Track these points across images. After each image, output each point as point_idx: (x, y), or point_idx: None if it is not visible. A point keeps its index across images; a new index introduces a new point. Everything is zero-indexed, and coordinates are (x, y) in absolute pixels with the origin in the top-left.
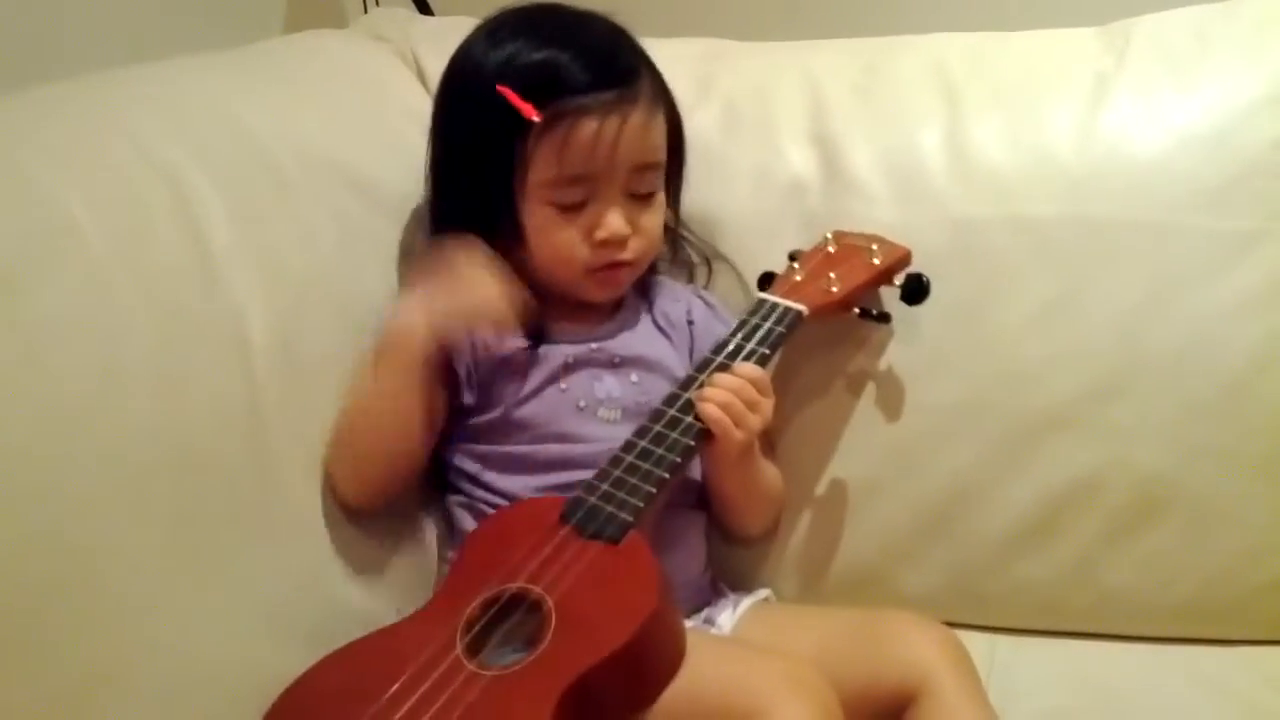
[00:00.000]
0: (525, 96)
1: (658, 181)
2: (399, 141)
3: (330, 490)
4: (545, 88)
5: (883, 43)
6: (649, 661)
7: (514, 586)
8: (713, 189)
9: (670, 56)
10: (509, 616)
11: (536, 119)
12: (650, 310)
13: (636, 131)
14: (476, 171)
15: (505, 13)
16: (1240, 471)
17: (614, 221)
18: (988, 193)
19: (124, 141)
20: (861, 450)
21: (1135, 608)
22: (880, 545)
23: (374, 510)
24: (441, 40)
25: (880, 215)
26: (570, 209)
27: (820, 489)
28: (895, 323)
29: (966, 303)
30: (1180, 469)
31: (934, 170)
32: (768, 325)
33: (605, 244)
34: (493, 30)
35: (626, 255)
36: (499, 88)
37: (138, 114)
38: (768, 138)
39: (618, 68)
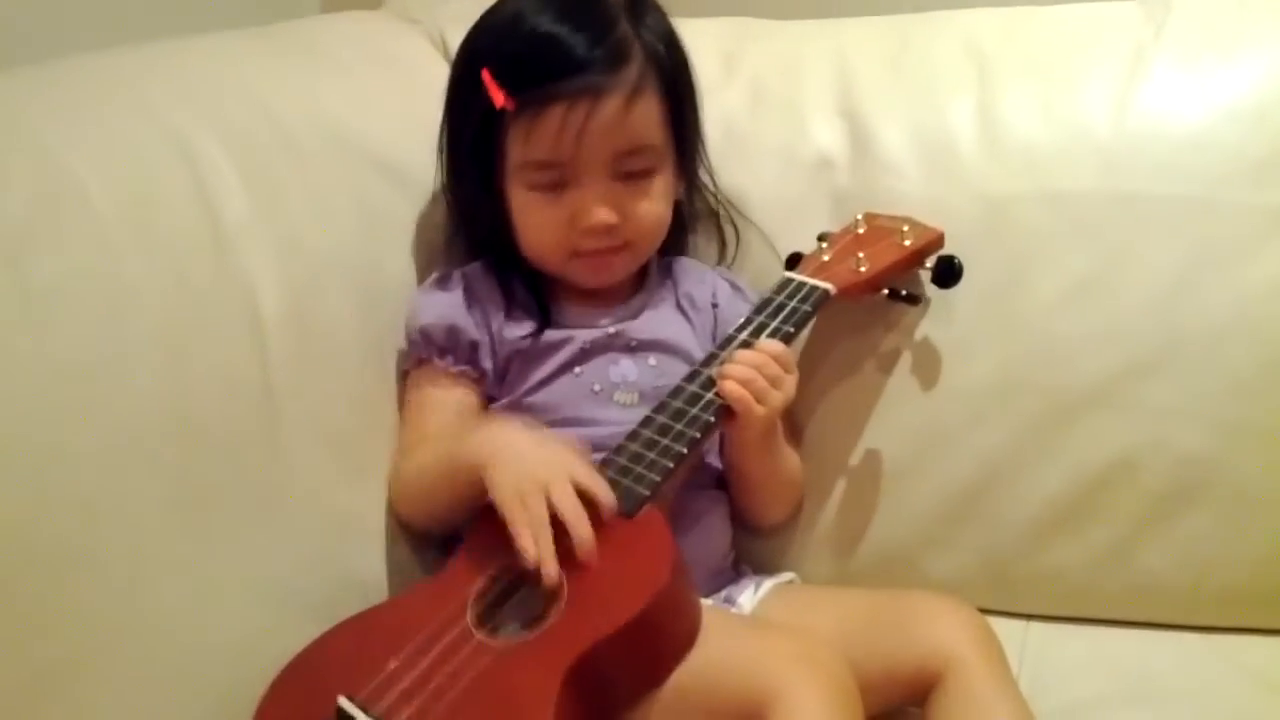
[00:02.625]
0: (504, 79)
1: (652, 163)
2: (423, 122)
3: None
4: (521, 72)
5: (913, 18)
6: (661, 636)
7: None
8: (740, 167)
9: (697, 35)
10: (520, 589)
11: (509, 106)
12: (675, 292)
13: (610, 118)
14: (468, 150)
15: None
16: None
17: (596, 210)
18: (1021, 168)
19: (138, 111)
20: (891, 431)
21: (1174, 594)
22: (909, 528)
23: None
24: (470, 22)
25: (910, 192)
26: (550, 192)
27: (849, 471)
28: (925, 302)
29: (998, 280)
30: (1220, 450)
31: (965, 145)
32: (793, 304)
33: (590, 231)
34: (497, 7)
35: (616, 243)
36: (483, 72)
37: (154, 85)
38: (796, 114)
39: (598, 51)
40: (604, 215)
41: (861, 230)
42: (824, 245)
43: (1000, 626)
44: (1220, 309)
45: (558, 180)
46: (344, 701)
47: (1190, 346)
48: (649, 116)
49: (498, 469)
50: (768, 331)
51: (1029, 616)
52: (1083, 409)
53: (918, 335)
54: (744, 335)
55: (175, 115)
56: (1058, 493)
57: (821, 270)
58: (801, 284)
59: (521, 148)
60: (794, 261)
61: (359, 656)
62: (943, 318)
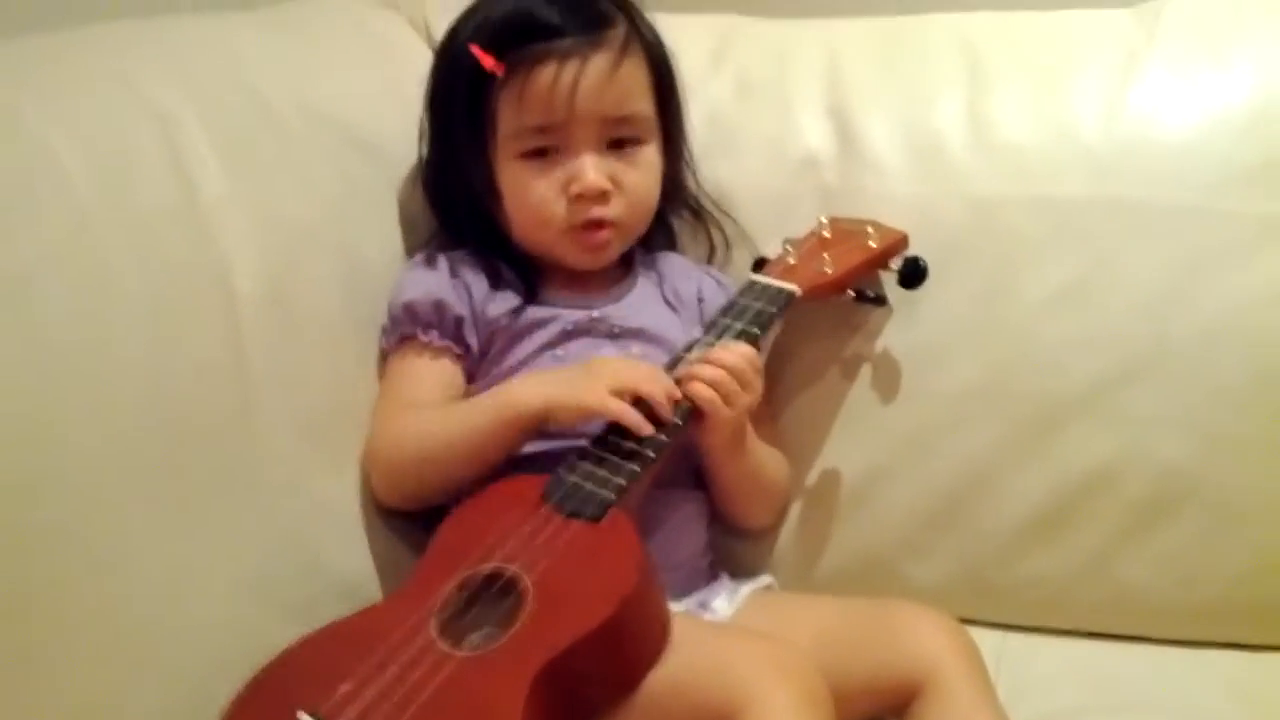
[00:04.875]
0: (492, 47)
1: (641, 134)
2: (405, 105)
3: (366, 487)
4: (510, 39)
5: (905, 20)
6: (629, 642)
7: (489, 566)
8: (724, 162)
9: (684, 30)
10: (484, 597)
11: (498, 71)
12: (660, 285)
13: (599, 78)
14: (456, 134)
15: None
16: (1267, 464)
17: (588, 172)
18: (1009, 171)
19: (116, 86)
20: (872, 436)
21: (1153, 606)
22: (888, 535)
23: (410, 510)
24: (454, 7)
25: (897, 191)
26: (542, 160)
27: (829, 475)
28: (909, 305)
29: (983, 284)
30: (1204, 460)
31: (954, 146)
32: (758, 306)
33: (582, 198)
34: None
35: (607, 213)
36: (470, 46)
37: (133, 61)
38: (782, 110)
39: (585, 14)
40: (597, 178)
41: (826, 234)
42: (789, 249)
43: (978, 636)
44: (1208, 318)
45: (550, 148)
46: (304, 717)
47: (1177, 355)
48: (637, 80)
49: (561, 394)
50: (733, 333)
51: (1006, 627)
52: (1066, 416)
53: (900, 339)
54: (709, 338)
55: (153, 90)
56: (1038, 500)
57: (787, 272)
58: (767, 286)
59: (514, 114)
60: (760, 265)
61: (321, 671)
62: (926, 321)
